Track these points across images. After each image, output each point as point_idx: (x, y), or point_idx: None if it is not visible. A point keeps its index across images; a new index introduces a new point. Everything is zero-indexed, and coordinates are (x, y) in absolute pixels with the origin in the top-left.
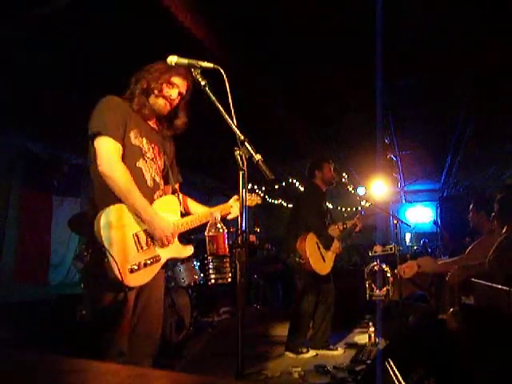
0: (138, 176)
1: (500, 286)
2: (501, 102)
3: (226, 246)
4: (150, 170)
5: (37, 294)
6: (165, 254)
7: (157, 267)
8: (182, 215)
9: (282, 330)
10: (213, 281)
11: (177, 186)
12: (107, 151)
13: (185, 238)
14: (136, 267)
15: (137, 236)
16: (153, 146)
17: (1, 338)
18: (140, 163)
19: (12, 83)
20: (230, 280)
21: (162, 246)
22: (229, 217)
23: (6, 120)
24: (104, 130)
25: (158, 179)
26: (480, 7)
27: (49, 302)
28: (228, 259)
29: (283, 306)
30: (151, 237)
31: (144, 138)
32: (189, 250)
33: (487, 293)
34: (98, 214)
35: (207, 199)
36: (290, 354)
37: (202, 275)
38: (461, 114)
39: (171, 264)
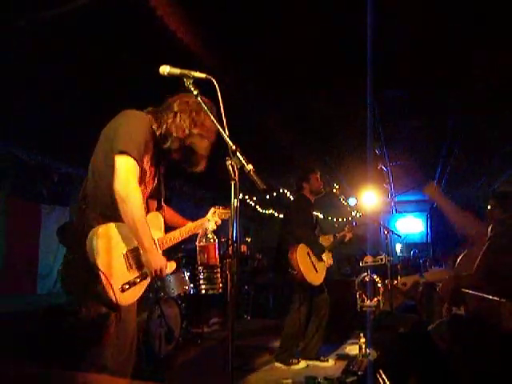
0: None
1: (491, 297)
2: (490, 113)
3: (217, 256)
4: (145, 194)
5: (24, 304)
6: None
7: (145, 284)
8: (166, 230)
9: (272, 341)
10: (203, 291)
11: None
12: (129, 173)
13: (169, 252)
14: (127, 286)
15: (127, 255)
16: (151, 168)
17: None
18: (141, 187)
19: (0, 91)
20: (220, 290)
21: (154, 277)
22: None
23: None
24: (131, 150)
25: (146, 202)
26: (469, 16)
27: (36, 312)
28: (219, 269)
29: (274, 316)
30: (138, 256)
31: (151, 161)
32: (172, 266)
33: (478, 303)
34: (89, 236)
35: (196, 211)
36: (280, 365)
37: (192, 285)
38: (450, 126)
39: None
